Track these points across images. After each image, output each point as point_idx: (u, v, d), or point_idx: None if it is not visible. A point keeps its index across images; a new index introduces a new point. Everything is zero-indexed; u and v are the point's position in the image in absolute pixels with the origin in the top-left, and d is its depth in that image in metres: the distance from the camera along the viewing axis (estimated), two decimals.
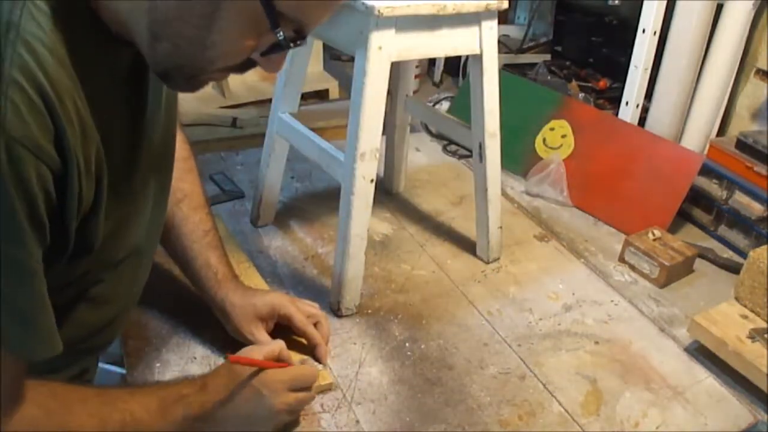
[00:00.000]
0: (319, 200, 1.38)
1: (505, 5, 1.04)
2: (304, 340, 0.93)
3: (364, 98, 0.94)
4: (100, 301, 0.69)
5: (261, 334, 0.89)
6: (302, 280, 1.11)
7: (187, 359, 0.91)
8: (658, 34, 1.43)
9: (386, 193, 1.45)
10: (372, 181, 0.99)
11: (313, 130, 1.11)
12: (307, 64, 1.16)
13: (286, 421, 0.79)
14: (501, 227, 1.21)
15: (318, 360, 0.92)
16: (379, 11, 0.90)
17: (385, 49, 0.94)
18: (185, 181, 0.88)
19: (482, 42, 1.06)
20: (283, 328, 0.91)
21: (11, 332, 0.55)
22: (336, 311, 1.04)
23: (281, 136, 1.18)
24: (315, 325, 0.93)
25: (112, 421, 0.65)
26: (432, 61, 2.27)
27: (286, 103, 1.17)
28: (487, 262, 1.22)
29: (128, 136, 0.63)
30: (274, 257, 1.17)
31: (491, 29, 1.05)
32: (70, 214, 0.56)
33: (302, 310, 0.92)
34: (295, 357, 0.88)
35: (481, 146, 1.14)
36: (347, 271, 1.02)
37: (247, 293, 0.91)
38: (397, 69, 1.31)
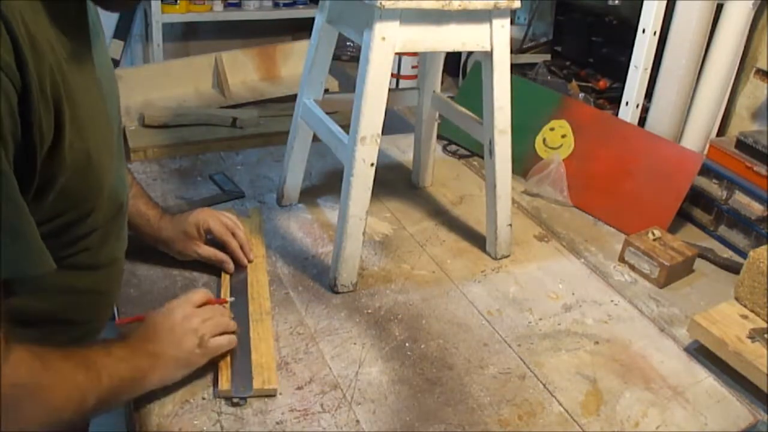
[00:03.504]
0: (320, 201, 1.38)
1: (517, 5, 1.05)
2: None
3: (366, 85, 0.99)
4: (84, 267, 0.71)
5: (202, 249, 1.06)
6: (302, 280, 1.11)
7: None
8: (658, 34, 1.43)
9: (413, 187, 1.49)
10: (372, 165, 1.03)
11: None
12: (331, 54, 1.22)
13: (208, 328, 0.85)
14: (510, 225, 1.22)
15: (238, 262, 1.08)
16: (381, 3, 0.94)
17: (388, 40, 0.98)
18: None
19: (493, 39, 1.07)
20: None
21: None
22: (332, 287, 1.08)
23: (304, 120, 1.25)
24: (233, 234, 1.09)
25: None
26: None
27: (310, 90, 1.24)
28: (496, 259, 1.23)
29: (79, 67, 0.63)
30: (274, 257, 1.17)
31: (503, 27, 1.08)
32: (33, 141, 0.56)
33: (222, 222, 1.08)
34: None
35: (491, 142, 1.16)
36: (345, 248, 1.06)
37: (175, 222, 1.05)
38: (424, 64, 1.37)
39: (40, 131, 0.56)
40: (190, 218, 1.05)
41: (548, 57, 2.09)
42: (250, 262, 1.10)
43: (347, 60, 2.45)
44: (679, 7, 1.40)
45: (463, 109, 1.28)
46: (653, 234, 1.25)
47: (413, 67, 2.19)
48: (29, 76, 0.53)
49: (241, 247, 1.09)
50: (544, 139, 1.55)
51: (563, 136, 1.52)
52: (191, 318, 0.84)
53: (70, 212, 0.67)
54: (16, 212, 0.56)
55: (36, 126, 0.56)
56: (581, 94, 1.79)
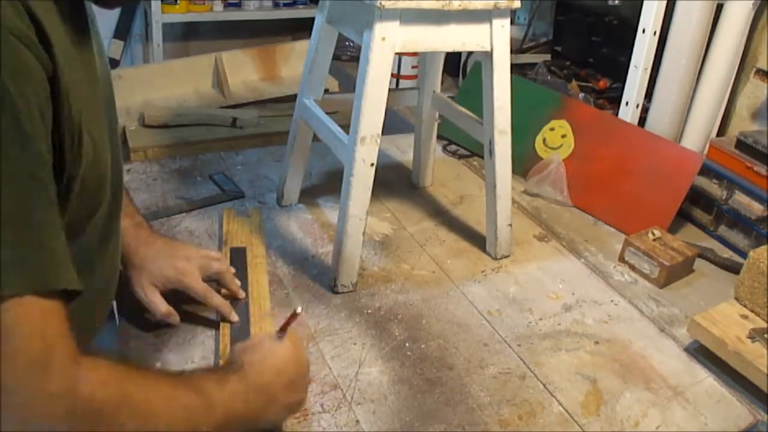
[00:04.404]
0: (320, 201, 1.38)
1: (517, 5, 1.05)
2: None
3: (366, 85, 0.99)
4: (85, 267, 0.68)
5: (156, 298, 0.91)
6: (302, 280, 1.11)
7: (187, 359, 0.91)
8: (658, 34, 1.43)
9: (413, 187, 1.49)
10: (372, 165, 1.04)
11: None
12: (331, 54, 1.22)
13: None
14: (510, 225, 1.22)
15: (226, 318, 0.95)
16: (381, 3, 0.94)
17: (388, 40, 0.98)
18: None
19: (493, 39, 1.07)
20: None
21: (29, 259, 0.50)
22: (332, 287, 1.08)
23: (304, 120, 1.25)
24: (220, 282, 0.98)
25: (182, 393, 0.64)
26: None
27: (310, 90, 1.24)
28: (496, 259, 1.23)
29: (80, 61, 0.63)
30: (274, 257, 1.17)
31: (503, 27, 1.08)
32: (62, 127, 0.55)
33: (205, 272, 0.95)
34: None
35: (491, 142, 1.16)
36: (345, 248, 1.06)
37: (151, 262, 0.91)
38: (424, 64, 1.37)
39: (70, 120, 0.56)
40: (165, 271, 0.92)
41: (548, 57, 2.09)
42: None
43: (347, 60, 2.46)
44: (679, 7, 1.41)
45: (463, 109, 1.28)
46: (653, 234, 1.25)
47: (413, 67, 2.19)
48: (56, 61, 0.53)
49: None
50: (544, 139, 1.55)
51: (563, 136, 1.52)
52: (307, 374, 0.78)
53: (80, 210, 0.65)
54: (46, 219, 0.52)
55: (65, 113, 0.55)
56: (581, 94, 1.79)
